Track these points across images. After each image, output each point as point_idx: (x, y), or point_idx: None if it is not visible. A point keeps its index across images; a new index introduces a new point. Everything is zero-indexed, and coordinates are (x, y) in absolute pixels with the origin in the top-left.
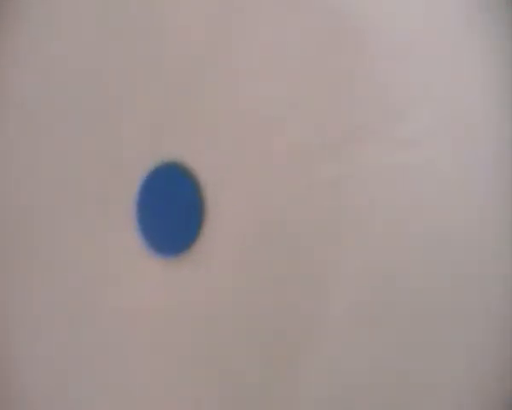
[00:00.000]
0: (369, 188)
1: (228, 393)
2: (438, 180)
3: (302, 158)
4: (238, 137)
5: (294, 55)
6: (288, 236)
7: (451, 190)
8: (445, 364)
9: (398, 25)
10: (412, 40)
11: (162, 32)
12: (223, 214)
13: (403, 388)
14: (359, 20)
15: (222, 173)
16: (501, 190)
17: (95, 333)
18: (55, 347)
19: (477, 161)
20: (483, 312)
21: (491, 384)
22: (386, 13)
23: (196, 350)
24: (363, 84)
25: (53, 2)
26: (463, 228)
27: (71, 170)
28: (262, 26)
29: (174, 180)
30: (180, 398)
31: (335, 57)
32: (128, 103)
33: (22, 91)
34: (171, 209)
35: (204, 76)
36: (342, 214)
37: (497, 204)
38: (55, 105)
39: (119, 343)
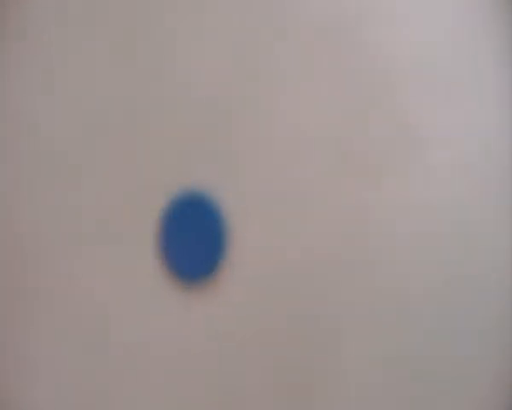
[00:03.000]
0: (390, 226)
1: None
2: (456, 216)
3: (327, 190)
4: (264, 167)
5: (322, 86)
6: (311, 268)
7: (468, 228)
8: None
9: (424, 63)
10: (437, 81)
11: (190, 64)
12: (246, 244)
13: None
14: (384, 60)
15: (247, 203)
16: None
17: (117, 357)
18: (73, 374)
19: (494, 199)
20: None
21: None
22: (412, 54)
23: (212, 376)
24: (387, 119)
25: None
26: (483, 274)
27: (97, 197)
28: (290, 63)
29: (199, 208)
30: None
31: (363, 93)
32: (155, 132)
33: (49, 127)
34: (195, 236)
35: (232, 107)
36: (364, 249)
37: None
38: (80, 132)
39: (140, 366)
